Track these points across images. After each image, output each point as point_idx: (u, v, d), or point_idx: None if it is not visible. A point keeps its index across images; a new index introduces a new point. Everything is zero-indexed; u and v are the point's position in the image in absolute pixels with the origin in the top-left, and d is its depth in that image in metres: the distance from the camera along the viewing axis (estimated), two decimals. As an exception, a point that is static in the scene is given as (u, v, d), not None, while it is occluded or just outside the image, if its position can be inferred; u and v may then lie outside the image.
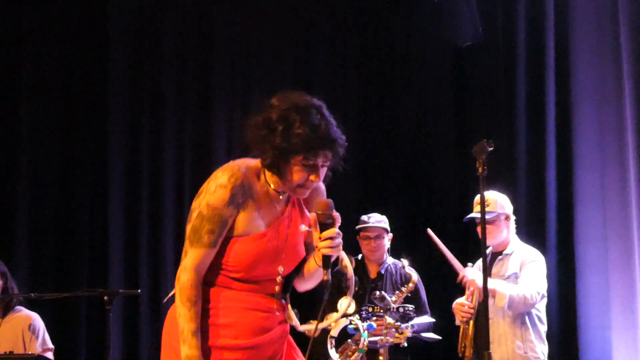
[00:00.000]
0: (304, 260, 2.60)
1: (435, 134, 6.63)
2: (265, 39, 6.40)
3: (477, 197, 4.44)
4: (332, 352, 4.27)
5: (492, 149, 3.09)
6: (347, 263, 2.69)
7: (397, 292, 4.57)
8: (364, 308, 4.51)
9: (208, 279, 2.49)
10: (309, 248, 2.57)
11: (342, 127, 2.55)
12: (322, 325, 2.64)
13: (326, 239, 2.40)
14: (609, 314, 5.87)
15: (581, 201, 5.95)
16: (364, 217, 5.01)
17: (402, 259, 4.85)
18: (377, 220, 4.99)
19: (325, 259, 2.42)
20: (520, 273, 4.40)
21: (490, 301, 4.17)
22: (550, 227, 6.11)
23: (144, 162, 6.23)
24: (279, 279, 2.55)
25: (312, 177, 2.44)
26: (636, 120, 5.99)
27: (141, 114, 6.24)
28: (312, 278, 2.61)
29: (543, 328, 4.46)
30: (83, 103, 6.16)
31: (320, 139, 2.41)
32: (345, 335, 4.38)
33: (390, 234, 5.08)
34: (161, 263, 6.17)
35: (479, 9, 6.43)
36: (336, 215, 2.44)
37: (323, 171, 2.49)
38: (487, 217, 3.96)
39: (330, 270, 2.45)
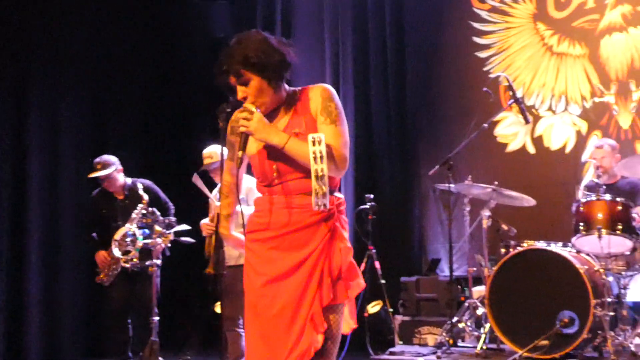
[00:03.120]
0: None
1: (195, 103, 7.46)
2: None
3: (204, 151, 5.01)
4: (116, 251, 5.16)
5: (230, 110, 3.12)
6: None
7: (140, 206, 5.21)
8: (138, 219, 5.21)
9: (260, 191, 2.72)
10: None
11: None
12: None
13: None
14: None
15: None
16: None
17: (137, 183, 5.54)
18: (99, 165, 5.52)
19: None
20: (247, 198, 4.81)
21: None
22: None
23: None
24: (276, 180, 2.61)
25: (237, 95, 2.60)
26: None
27: None
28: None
29: None
30: None
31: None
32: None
33: (119, 167, 5.56)
34: None
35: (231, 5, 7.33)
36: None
37: (243, 88, 2.56)
38: (212, 166, 4.88)
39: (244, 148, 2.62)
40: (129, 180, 5.66)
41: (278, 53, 2.55)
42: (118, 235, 5.21)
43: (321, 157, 2.46)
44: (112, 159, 5.60)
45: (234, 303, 4.83)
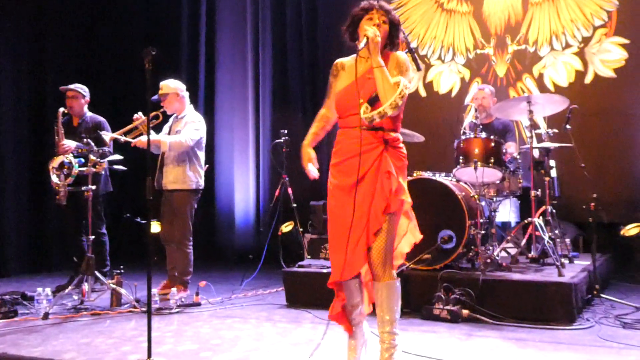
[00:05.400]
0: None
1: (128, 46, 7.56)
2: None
3: (160, 84, 5.32)
4: (54, 177, 5.14)
5: (155, 52, 3.40)
6: None
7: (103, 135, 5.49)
8: (76, 150, 5.35)
9: (339, 126, 3.16)
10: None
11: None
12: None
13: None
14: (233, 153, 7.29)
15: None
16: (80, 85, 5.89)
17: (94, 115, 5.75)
18: (76, 85, 5.85)
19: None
20: (183, 128, 5.24)
21: (162, 147, 5.19)
22: (200, 100, 7.48)
23: None
24: (361, 111, 3.01)
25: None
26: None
27: None
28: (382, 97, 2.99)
29: (198, 162, 5.26)
30: None
31: (370, 4, 3.14)
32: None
33: (88, 99, 5.79)
34: None
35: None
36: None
37: (379, 23, 3.09)
38: (163, 97, 5.23)
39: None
40: (89, 113, 5.83)
41: (401, 34, 3.20)
42: (55, 163, 5.21)
43: (402, 97, 2.94)
44: (86, 89, 5.86)
45: (169, 223, 5.27)
